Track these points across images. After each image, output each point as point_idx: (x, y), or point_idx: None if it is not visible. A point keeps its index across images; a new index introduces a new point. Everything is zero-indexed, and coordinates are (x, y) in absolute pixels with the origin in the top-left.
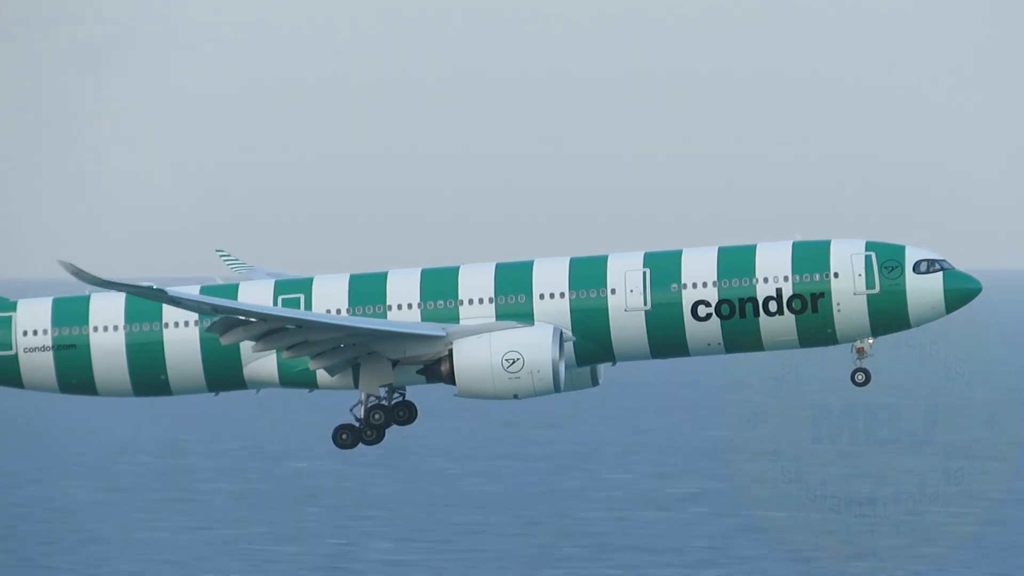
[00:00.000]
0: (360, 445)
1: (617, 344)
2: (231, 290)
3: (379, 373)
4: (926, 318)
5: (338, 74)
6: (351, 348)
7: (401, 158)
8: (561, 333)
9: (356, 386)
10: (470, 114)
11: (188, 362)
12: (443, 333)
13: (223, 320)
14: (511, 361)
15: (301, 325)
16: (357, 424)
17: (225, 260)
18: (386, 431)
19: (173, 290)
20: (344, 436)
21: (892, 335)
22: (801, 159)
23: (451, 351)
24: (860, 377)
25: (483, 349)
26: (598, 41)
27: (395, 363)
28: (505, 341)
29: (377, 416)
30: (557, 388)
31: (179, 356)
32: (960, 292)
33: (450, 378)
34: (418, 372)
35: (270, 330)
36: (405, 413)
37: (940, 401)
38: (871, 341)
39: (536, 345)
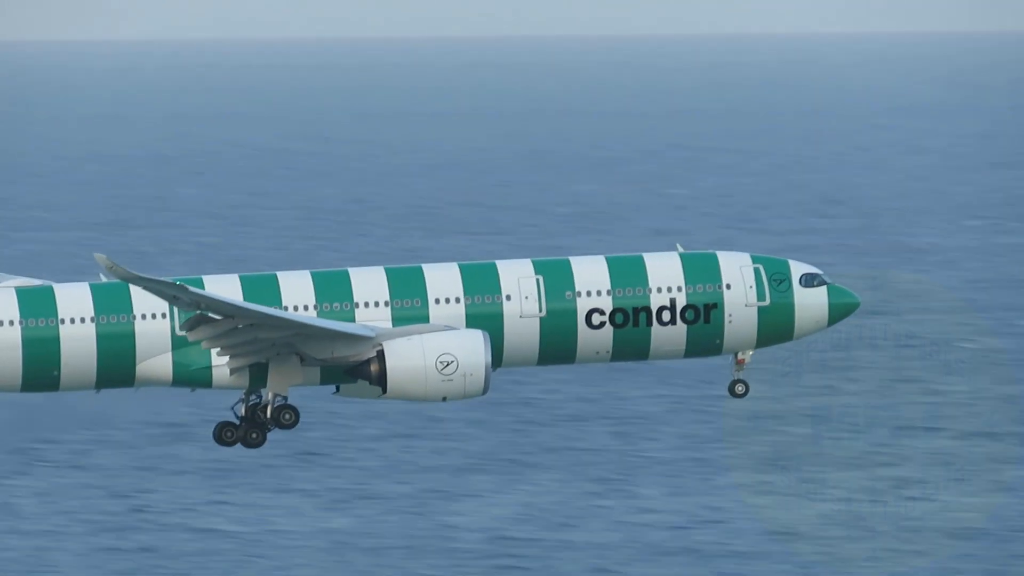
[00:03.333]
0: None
1: (508, 350)
2: (196, 283)
3: (290, 373)
4: (809, 330)
5: None
6: (277, 346)
7: None
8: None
9: (252, 385)
10: None
11: (84, 358)
12: (373, 334)
13: (198, 316)
14: (445, 363)
15: (266, 324)
16: (238, 423)
17: None
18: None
19: (194, 289)
20: (228, 434)
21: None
22: None
23: (380, 352)
24: (740, 388)
25: (417, 351)
26: None
27: (304, 362)
28: (439, 343)
29: (288, 416)
30: (485, 391)
31: (75, 352)
32: (842, 306)
33: (379, 379)
34: (345, 372)
35: (233, 328)
36: (291, 416)
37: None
38: (751, 353)
39: (470, 348)
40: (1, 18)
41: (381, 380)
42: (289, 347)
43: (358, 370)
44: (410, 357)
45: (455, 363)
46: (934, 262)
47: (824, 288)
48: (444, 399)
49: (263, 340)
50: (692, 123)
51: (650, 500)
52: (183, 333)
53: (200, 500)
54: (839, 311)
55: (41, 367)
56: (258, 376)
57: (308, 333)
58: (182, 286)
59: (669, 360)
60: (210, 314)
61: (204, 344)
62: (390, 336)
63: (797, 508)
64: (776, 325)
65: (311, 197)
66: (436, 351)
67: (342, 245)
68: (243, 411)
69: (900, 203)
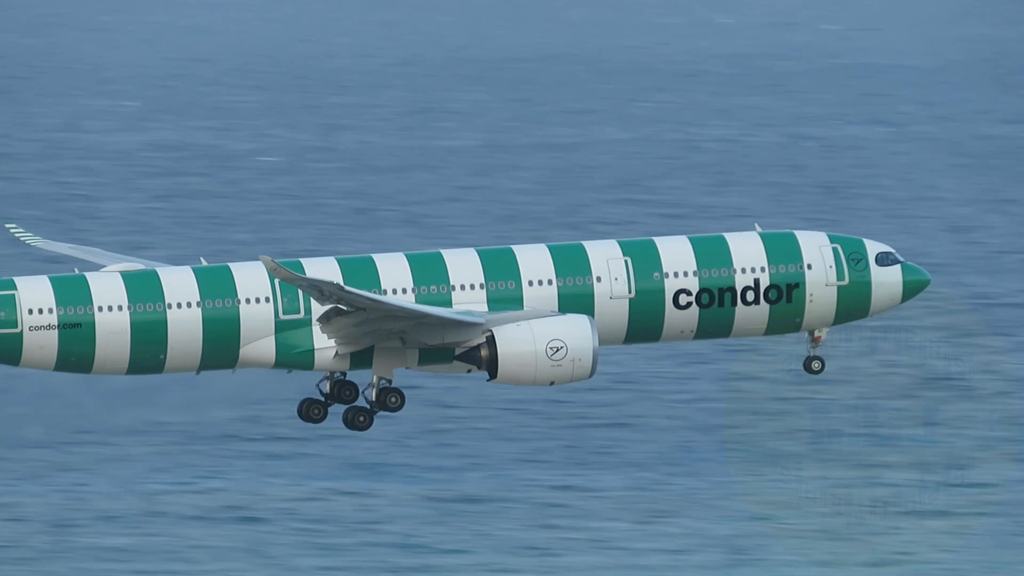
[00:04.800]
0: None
1: (598, 330)
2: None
3: (394, 356)
4: (884, 308)
5: None
6: (392, 333)
7: None
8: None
9: (352, 368)
10: None
11: (189, 342)
12: (483, 320)
13: (333, 309)
14: (555, 349)
15: (396, 315)
16: (323, 399)
17: (17, 233)
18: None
19: (350, 288)
20: (316, 411)
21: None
22: None
23: (490, 338)
24: (816, 365)
25: (527, 336)
26: None
27: (405, 345)
28: (548, 329)
29: (394, 399)
30: (592, 375)
31: (181, 336)
32: (916, 284)
33: (489, 365)
34: (456, 358)
35: (364, 319)
36: (397, 399)
37: None
38: (827, 330)
39: (579, 334)
40: None
41: (491, 366)
42: (399, 333)
43: (467, 355)
44: (521, 342)
45: (564, 348)
46: None
47: (898, 267)
48: (552, 383)
49: (386, 329)
50: None
51: None
52: (304, 323)
53: None
54: (912, 288)
55: (148, 351)
56: (359, 359)
57: (428, 322)
58: (339, 285)
59: (748, 338)
60: (343, 307)
61: (330, 334)
62: (498, 322)
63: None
64: (853, 303)
65: None
66: (546, 337)
67: None
68: (328, 388)
69: None
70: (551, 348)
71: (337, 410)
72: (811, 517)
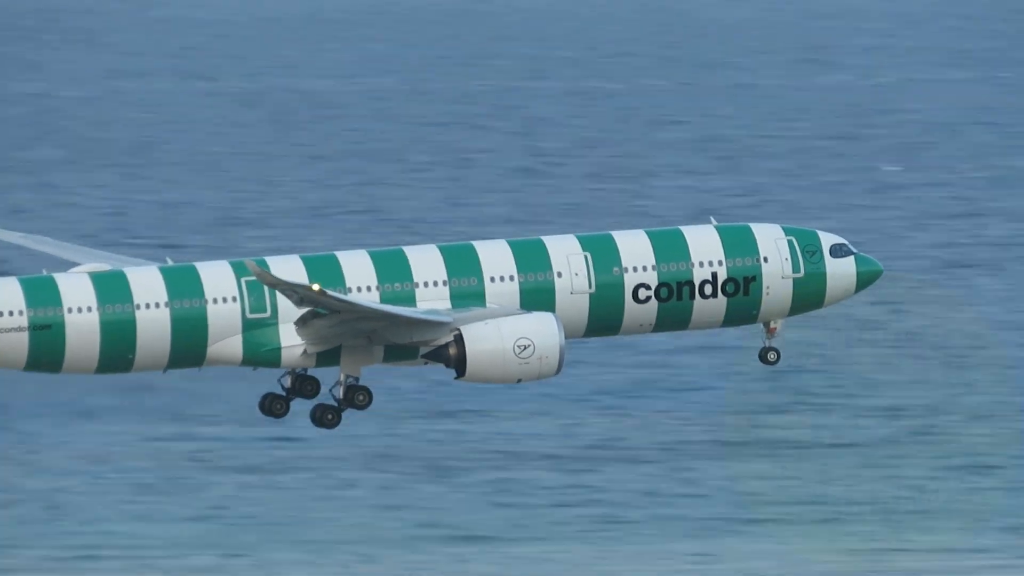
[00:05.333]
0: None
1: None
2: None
3: (361, 354)
4: (838, 298)
5: None
6: (362, 333)
7: None
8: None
9: (318, 365)
10: None
11: (158, 341)
12: (451, 319)
13: (310, 312)
14: (523, 347)
15: (371, 316)
16: (285, 394)
17: None
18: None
19: (332, 293)
20: (278, 406)
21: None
22: None
23: (458, 336)
24: (772, 356)
25: (495, 335)
26: None
27: (371, 342)
28: (516, 327)
29: (361, 397)
30: (558, 372)
31: (150, 335)
32: (869, 274)
33: (457, 363)
34: (423, 356)
35: (340, 321)
36: (365, 397)
37: None
38: (782, 321)
39: (546, 332)
40: None
41: (459, 364)
42: (368, 332)
43: (435, 354)
44: (489, 341)
45: (532, 346)
46: None
47: (852, 258)
48: (519, 381)
49: (359, 329)
50: None
51: None
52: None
53: None
54: (865, 279)
55: (118, 351)
56: (325, 357)
57: (399, 323)
58: (322, 290)
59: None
60: (320, 310)
61: (304, 336)
62: (466, 321)
63: None
64: (809, 295)
65: None
66: (514, 335)
67: None
68: (289, 383)
69: None
70: (519, 346)
71: (299, 407)
72: (128, 472)
